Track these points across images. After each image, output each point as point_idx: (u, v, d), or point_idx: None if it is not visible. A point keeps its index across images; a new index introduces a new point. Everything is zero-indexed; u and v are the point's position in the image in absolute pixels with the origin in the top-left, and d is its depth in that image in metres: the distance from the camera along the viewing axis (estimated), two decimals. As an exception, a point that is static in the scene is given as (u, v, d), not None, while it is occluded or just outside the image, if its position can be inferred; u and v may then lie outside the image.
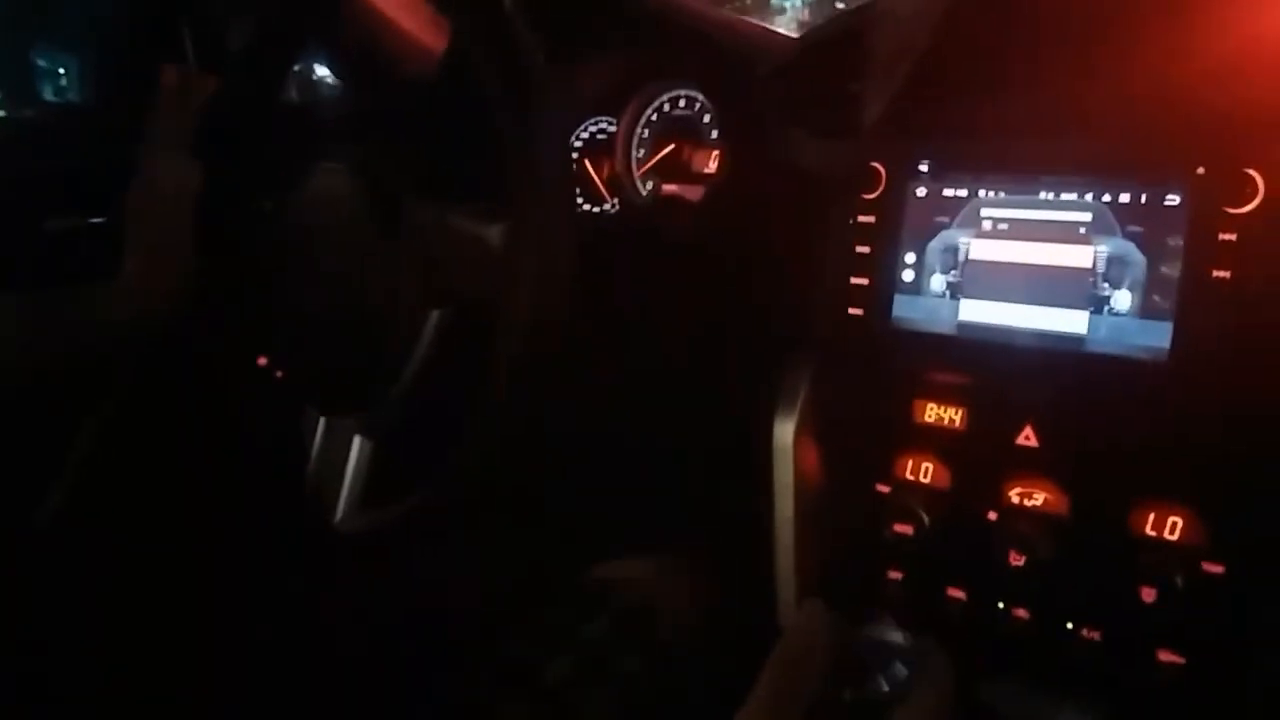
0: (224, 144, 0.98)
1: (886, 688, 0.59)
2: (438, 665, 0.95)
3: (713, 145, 1.11)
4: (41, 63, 1.33)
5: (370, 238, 0.87)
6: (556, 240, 0.76)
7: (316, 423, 0.96)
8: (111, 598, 1.05)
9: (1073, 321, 0.72)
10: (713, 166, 1.11)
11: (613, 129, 1.18)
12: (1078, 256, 0.72)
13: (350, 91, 1.16)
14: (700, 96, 1.11)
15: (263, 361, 1.00)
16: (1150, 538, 0.71)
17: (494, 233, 0.80)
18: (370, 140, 0.95)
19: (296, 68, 1.12)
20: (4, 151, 1.19)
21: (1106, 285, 0.71)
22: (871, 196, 0.81)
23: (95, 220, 1.13)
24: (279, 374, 0.95)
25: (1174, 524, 0.71)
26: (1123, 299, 0.70)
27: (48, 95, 1.30)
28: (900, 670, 0.60)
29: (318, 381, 0.93)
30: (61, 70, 1.34)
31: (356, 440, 0.92)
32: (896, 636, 0.63)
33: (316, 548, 0.94)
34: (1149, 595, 0.70)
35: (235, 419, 1.05)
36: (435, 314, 0.84)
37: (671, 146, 1.14)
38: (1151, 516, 0.71)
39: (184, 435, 1.06)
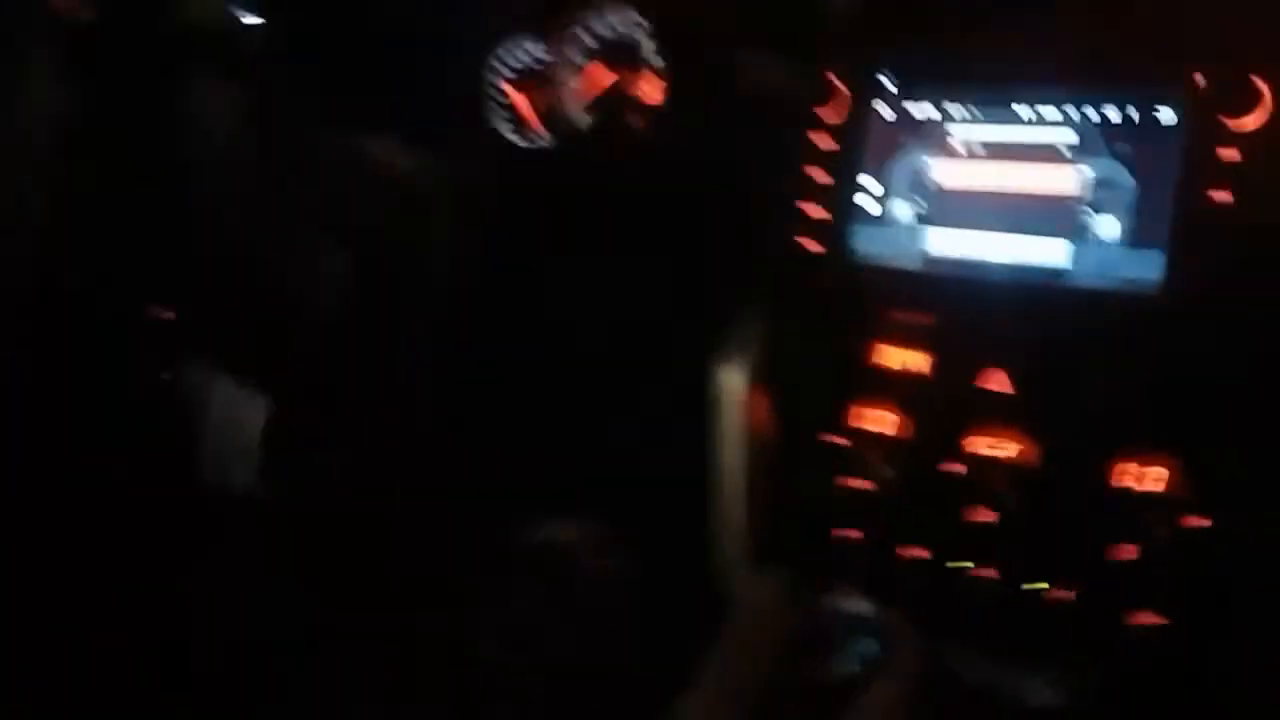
0: (105, 62, 0.87)
1: (855, 667, 0.52)
2: (349, 638, 0.87)
3: (655, 73, 1.02)
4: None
5: (269, 170, 0.78)
6: (478, 164, 0.67)
7: (214, 378, 0.86)
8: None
9: (1053, 252, 0.66)
10: (656, 97, 1.02)
11: (539, 53, 1.08)
12: (1059, 180, 0.65)
13: (246, 11, 1.05)
14: (640, 19, 1.02)
15: (155, 313, 0.90)
16: (1131, 490, 0.65)
17: (407, 161, 0.71)
18: (268, 63, 0.85)
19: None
20: None
21: (1091, 211, 0.64)
22: (829, 117, 0.74)
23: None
24: (167, 323, 0.85)
25: (1157, 475, 0.64)
26: (1109, 226, 0.64)
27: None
28: (869, 646, 0.53)
29: (211, 332, 0.84)
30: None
31: (258, 397, 0.82)
32: (861, 607, 0.56)
33: (212, 516, 0.85)
34: (1128, 553, 0.65)
35: (116, 374, 0.95)
36: (342, 254, 0.75)
37: (611, 75, 1.05)
38: (1133, 467, 0.65)
39: (56, 393, 0.95)
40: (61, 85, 0.85)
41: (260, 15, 1.02)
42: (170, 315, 0.88)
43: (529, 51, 1.09)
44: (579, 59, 1.07)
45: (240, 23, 1.03)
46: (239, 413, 0.85)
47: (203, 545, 0.92)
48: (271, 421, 0.85)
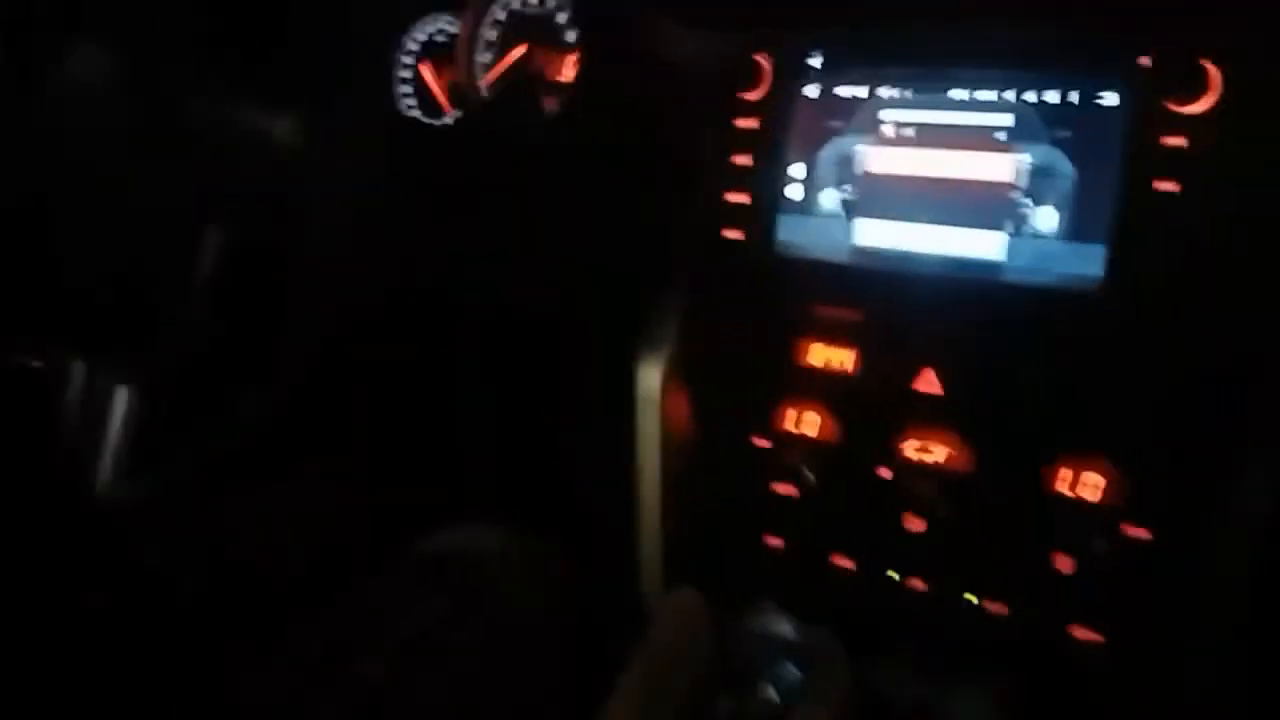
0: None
1: (775, 696, 0.47)
2: (231, 650, 0.80)
3: (569, 49, 0.96)
4: None
5: (138, 135, 0.70)
6: (369, 133, 0.61)
7: (73, 367, 0.78)
8: None
9: (988, 245, 0.62)
10: (569, 74, 0.96)
11: (453, 29, 1.01)
12: (995, 167, 0.61)
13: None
14: (555, -7, 0.96)
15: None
16: (1066, 498, 0.62)
17: (286, 125, 0.64)
18: (136, 16, 0.77)
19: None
20: None
21: (1029, 201, 0.61)
22: (753, 97, 0.69)
23: None
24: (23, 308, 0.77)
25: (1094, 483, 0.61)
26: (1047, 218, 0.60)
27: None
28: (790, 673, 0.49)
29: (73, 317, 0.76)
30: None
31: (122, 389, 0.75)
32: (785, 628, 0.52)
33: (73, 521, 0.77)
34: (1064, 563, 0.62)
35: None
36: (215, 229, 0.68)
37: (522, 50, 0.98)
38: (1069, 474, 0.62)
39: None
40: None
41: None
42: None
43: (439, 26, 1.02)
44: (490, 34, 1.00)
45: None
46: (100, 403, 0.78)
47: (58, 550, 0.84)
48: (137, 413, 0.77)
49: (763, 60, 0.69)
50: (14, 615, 0.85)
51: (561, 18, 0.97)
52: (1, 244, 0.77)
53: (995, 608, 0.65)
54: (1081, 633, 0.62)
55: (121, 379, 0.75)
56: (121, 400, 0.75)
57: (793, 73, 0.68)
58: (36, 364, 0.88)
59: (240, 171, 0.66)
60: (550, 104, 0.94)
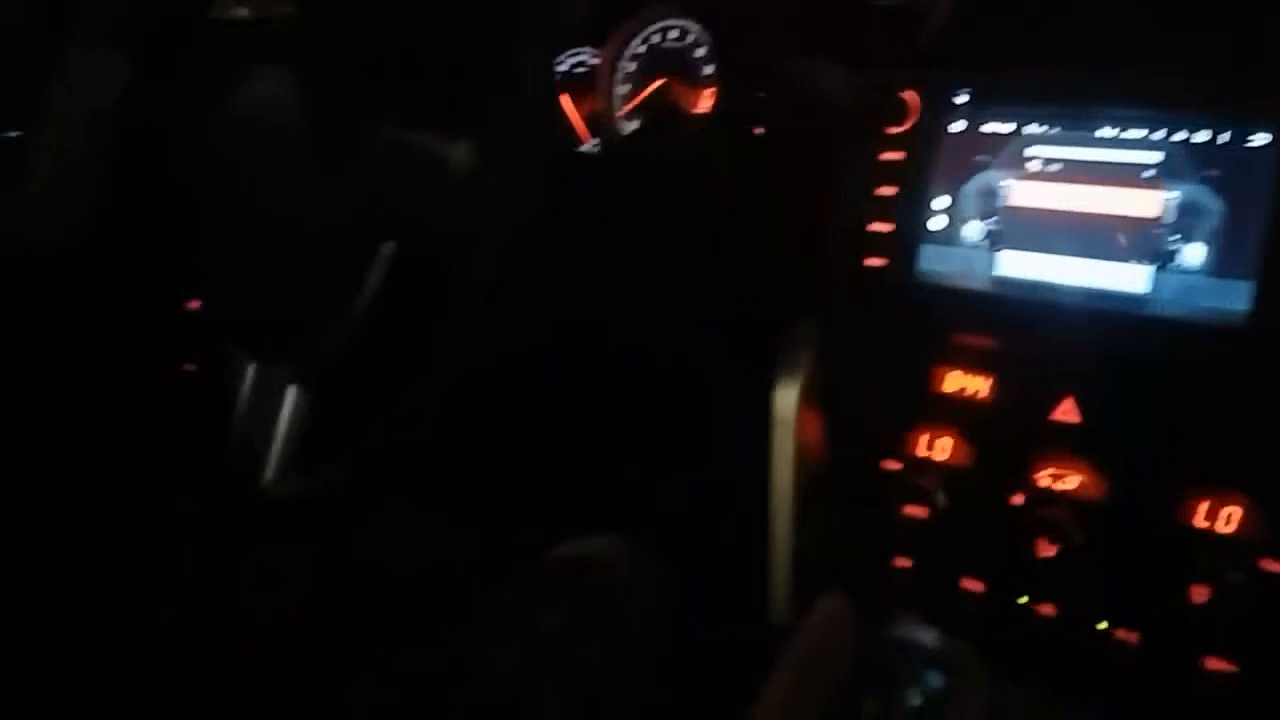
0: (151, 50, 0.86)
1: (918, 701, 0.50)
2: (371, 650, 0.84)
3: (706, 82, 1.00)
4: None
5: (312, 159, 0.75)
6: (533, 162, 0.65)
7: (245, 370, 0.84)
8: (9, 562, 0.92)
9: (1133, 279, 0.63)
10: (706, 106, 1.00)
11: (594, 61, 1.06)
12: (1142, 203, 0.63)
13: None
14: (693, 27, 1.00)
15: (189, 301, 0.88)
16: (1202, 530, 0.62)
17: (458, 153, 0.68)
18: (316, 50, 0.83)
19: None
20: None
21: (1176, 237, 0.62)
22: (899, 130, 0.71)
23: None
24: (203, 313, 0.83)
25: (1230, 515, 0.62)
26: (1194, 254, 0.61)
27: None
28: (934, 680, 0.51)
29: (248, 323, 0.81)
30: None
31: (290, 391, 0.80)
32: (926, 638, 0.53)
33: (241, 512, 0.82)
34: (1199, 594, 0.62)
35: (152, 363, 0.93)
36: (384, 247, 0.73)
37: (660, 82, 1.03)
38: (1205, 506, 0.62)
39: (91, 379, 0.93)
40: (112, 71, 0.83)
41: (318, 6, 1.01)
42: (196, 305, 0.86)
43: (580, 58, 1.07)
44: (629, 66, 1.05)
45: (291, 9, 1.02)
46: (270, 405, 0.83)
47: (225, 537, 0.89)
48: (303, 415, 0.82)
49: (910, 95, 0.71)
50: (177, 595, 0.91)
51: (700, 52, 1.01)
52: (181, 251, 0.83)
53: (1127, 636, 0.65)
54: (1214, 664, 0.62)
55: (289, 380, 0.80)
56: (289, 400, 0.80)
57: (939, 109, 0.70)
58: (190, 368, 0.94)
59: (412, 193, 0.71)
60: (687, 133, 0.98)
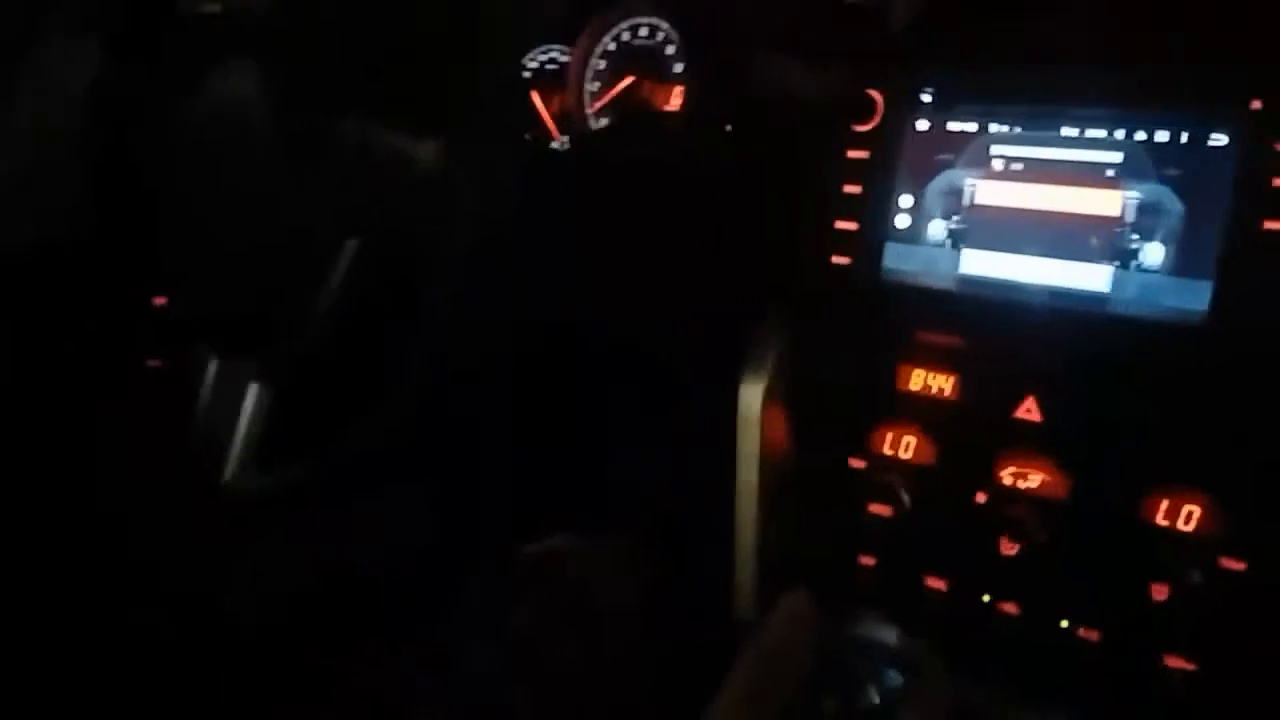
0: (121, 41, 0.84)
1: (876, 699, 0.50)
2: (340, 648, 0.83)
3: (676, 79, 1.00)
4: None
5: (280, 154, 0.75)
6: (501, 160, 0.64)
7: (207, 365, 0.83)
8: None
9: (1094, 278, 0.63)
10: (675, 103, 1.00)
11: (565, 58, 1.06)
12: (1103, 203, 0.63)
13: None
14: (663, 25, 1.00)
15: (155, 296, 0.87)
16: (1163, 528, 0.63)
17: (426, 151, 0.68)
18: (285, 46, 0.82)
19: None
20: None
21: (1136, 237, 0.62)
22: (865, 128, 0.71)
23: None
24: (166, 306, 0.82)
25: (1191, 513, 0.62)
26: (1154, 253, 0.61)
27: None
28: (893, 679, 0.51)
29: (211, 318, 0.80)
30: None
31: (253, 387, 0.79)
32: (888, 636, 0.53)
33: (201, 509, 0.81)
34: (1159, 592, 0.62)
35: (113, 356, 0.91)
36: (350, 244, 0.72)
37: (630, 79, 1.03)
38: (1166, 504, 0.63)
39: (52, 373, 0.92)
40: (83, 61, 0.82)
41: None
42: (165, 301, 0.85)
43: (550, 55, 1.07)
44: (600, 64, 1.05)
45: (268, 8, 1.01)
46: (232, 402, 0.82)
47: (187, 533, 0.88)
48: (268, 411, 0.82)
49: (875, 93, 0.71)
50: (143, 599, 0.90)
51: (669, 50, 1.01)
52: (147, 245, 0.82)
53: (1089, 634, 0.65)
54: (1175, 662, 0.62)
55: (252, 376, 0.80)
56: (251, 397, 0.80)
57: (904, 107, 0.70)
58: (154, 363, 0.93)
59: (380, 190, 0.70)
60: (656, 129, 0.98)
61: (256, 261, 0.75)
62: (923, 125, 0.70)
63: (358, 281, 0.73)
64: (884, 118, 0.71)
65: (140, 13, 0.85)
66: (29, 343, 0.92)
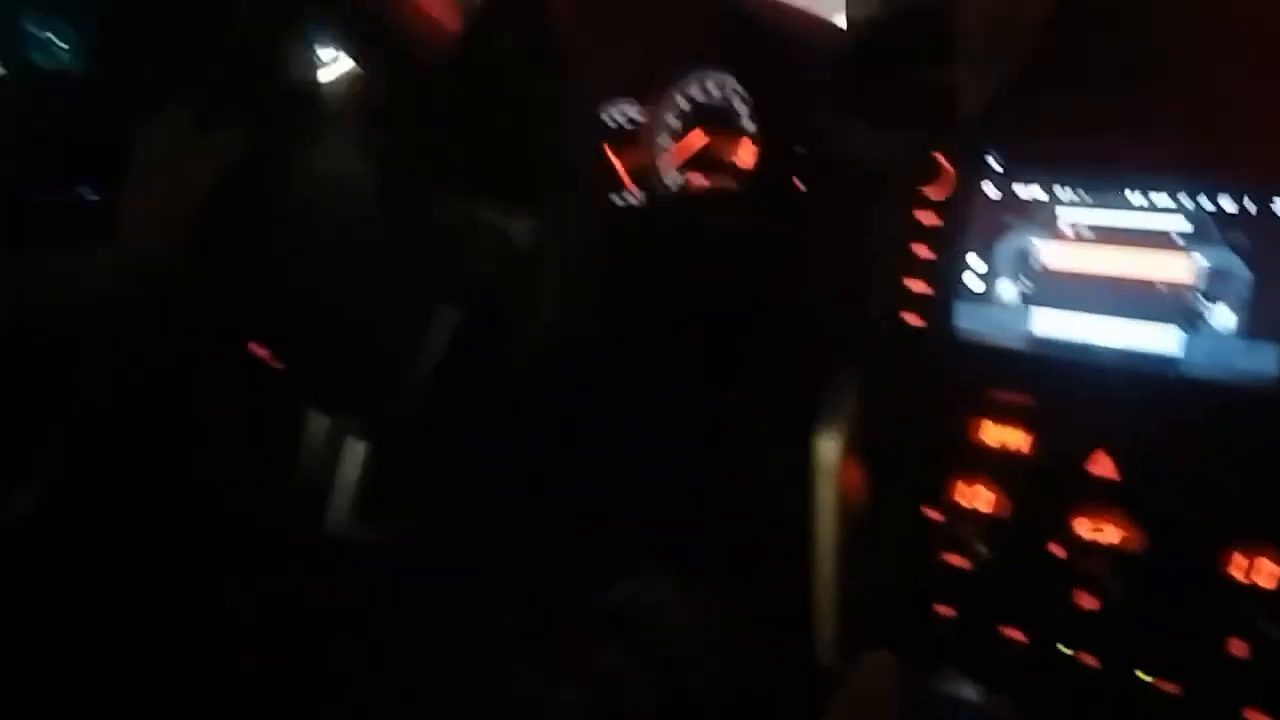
0: (232, 117, 0.90)
1: None
2: (430, 692, 0.87)
3: (747, 135, 1.03)
4: (32, 28, 1.26)
5: (382, 225, 0.79)
6: (587, 238, 0.68)
7: (313, 420, 0.88)
8: (87, 601, 0.97)
9: (1164, 339, 0.65)
10: (747, 159, 1.03)
11: (640, 116, 1.10)
12: (1172, 268, 0.65)
13: (363, 71, 1.08)
14: (735, 84, 1.04)
15: (259, 351, 0.92)
16: (1241, 584, 0.63)
17: (518, 227, 0.72)
18: (383, 123, 0.87)
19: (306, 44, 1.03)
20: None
21: (1205, 301, 0.63)
22: (935, 193, 0.73)
23: (86, 194, 1.07)
24: (275, 365, 0.87)
25: (1269, 570, 0.63)
26: (1224, 317, 0.63)
27: (40, 62, 1.23)
28: None
29: (318, 376, 0.85)
30: (54, 36, 1.26)
31: (354, 442, 0.84)
32: (968, 692, 0.55)
33: (303, 555, 0.86)
34: (1238, 648, 0.63)
35: (227, 410, 0.97)
36: (447, 310, 0.76)
37: (702, 137, 1.06)
38: (1244, 560, 0.63)
39: (170, 426, 0.98)
40: (194, 133, 0.87)
41: (377, 77, 1.05)
42: (269, 358, 0.90)
43: (626, 113, 1.11)
44: (674, 122, 1.09)
45: (360, 84, 1.07)
46: (334, 455, 0.87)
47: (293, 577, 0.93)
48: (369, 465, 0.86)
49: (945, 159, 0.74)
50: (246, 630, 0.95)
51: (740, 107, 1.04)
52: (261, 312, 0.87)
53: (1168, 687, 0.66)
54: (1255, 716, 0.63)
55: (354, 432, 0.84)
56: (353, 450, 0.84)
57: (973, 173, 0.72)
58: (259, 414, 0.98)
59: (475, 261, 0.74)
60: (730, 187, 1.02)
61: (358, 323, 0.80)
62: (991, 191, 0.72)
63: (454, 347, 0.77)
64: (953, 183, 0.73)
65: (255, 82, 0.91)
66: (143, 392, 0.99)
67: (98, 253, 0.87)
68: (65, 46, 1.25)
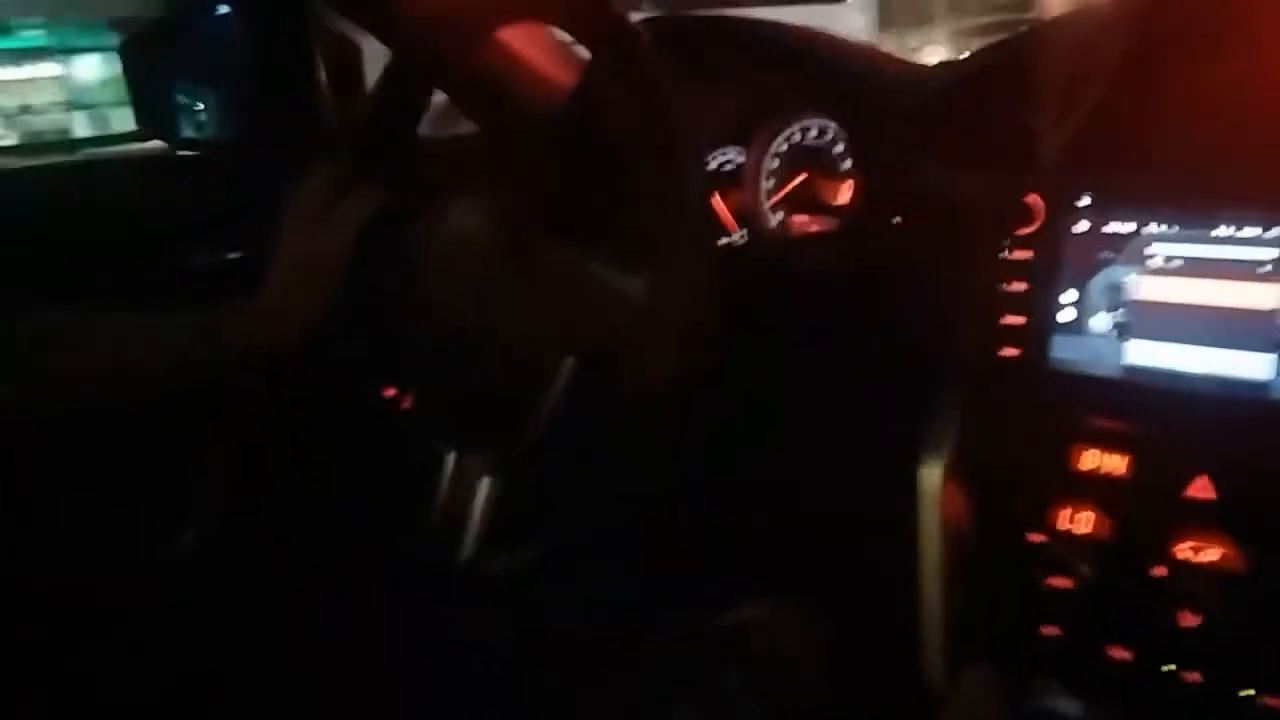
0: (367, 179, 0.97)
1: None
2: (552, 710, 0.93)
3: (845, 175, 1.08)
4: (181, 98, 1.35)
5: (506, 277, 0.86)
6: (696, 294, 0.73)
7: (446, 459, 0.95)
8: (246, 634, 1.06)
9: (1256, 366, 0.67)
10: (845, 197, 1.08)
11: (741, 159, 1.16)
12: (1261, 296, 0.67)
13: (483, 130, 1.16)
14: (832, 125, 1.09)
15: (392, 393, 1.00)
16: (1340, 601, 0.65)
17: (633, 286, 0.78)
18: (502, 179, 0.94)
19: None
20: (147, 185, 1.23)
21: (1294, 327, 0.66)
22: (1027, 231, 0.77)
23: (233, 256, 1.17)
24: (409, 408, 0.95)
25: (1365, 585, 0.64)
26: (1312, 342, 0.65)
27: (187, 131, 1.33)
28: None
29: (449, 418, 0.93)
30: (200, 106, 1.36)
31: (485, 480, 0.91)
32: (1069, 707, 0.59)
33: (439, 585, 0.93)
34: (1341, 664, 0.64)
35: (367, 451, 1.05)
36: (565, 362, 0.83)
37: (802, 176, 1.11)
38: (1343, 578, 0.65)
39: (314, 467, 1.07)
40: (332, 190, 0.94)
41: (496, 134, 1.13)
42: (405, 399, 0.97)
43: (728, 156, 1.17)
44: (773, 163, 1.14)
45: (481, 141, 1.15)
46: (467, 492, 0.94)
47: (427, 607, 1.00)
48: (496, 501, 0.93)
49: (1036, 198, 0.77)
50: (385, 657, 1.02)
51: (838, 149, 1.09)
52: (396, 359, 0.95)
53: (1273, 702, 0.68)
54: (1360, 728, 0.65)
55: (485, 471, 0.91)
56: (484, 487, 0.91)
57: (1063, 211, 0.76)
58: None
59: (591, 314, 0.80)
60: (827, 225, 1.06)
61: (486, 369, 0.87)
62: (1081, 227, 0.75)
63: (572, 391, 0.83)
64: (1044, 221, 0.77)
65: (387, 139, 0.98)
66: (291, 438, 1.07)
67: (247, 308, 0.95)
68: (210, 117, 1.35)
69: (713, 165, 1.18)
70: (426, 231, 0.93)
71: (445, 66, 0.97)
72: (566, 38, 0.94)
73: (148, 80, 1.30)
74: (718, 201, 1.17)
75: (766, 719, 0.87)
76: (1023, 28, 0.89)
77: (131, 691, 0.97)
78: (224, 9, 1.26)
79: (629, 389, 0.73)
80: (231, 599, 1.06)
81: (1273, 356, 0.67)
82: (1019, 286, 0.77)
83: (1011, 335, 0.78)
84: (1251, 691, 0.69)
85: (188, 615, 1.03)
